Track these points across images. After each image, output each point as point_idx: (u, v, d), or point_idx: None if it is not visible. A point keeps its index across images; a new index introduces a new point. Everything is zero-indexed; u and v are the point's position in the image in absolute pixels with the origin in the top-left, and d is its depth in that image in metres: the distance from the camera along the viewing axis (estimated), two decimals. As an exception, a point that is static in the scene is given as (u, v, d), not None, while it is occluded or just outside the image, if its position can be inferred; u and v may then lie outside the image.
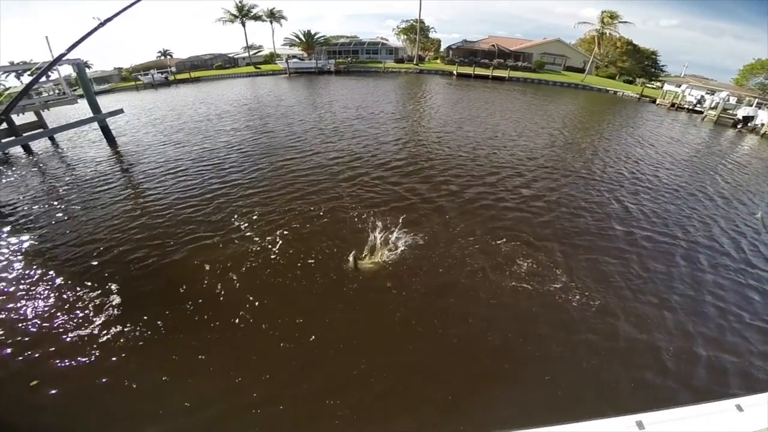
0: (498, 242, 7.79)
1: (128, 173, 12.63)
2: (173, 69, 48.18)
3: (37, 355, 5.27)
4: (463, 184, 10.93)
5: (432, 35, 55.90)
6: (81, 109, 18.19)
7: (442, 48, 56.81)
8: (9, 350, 5.37)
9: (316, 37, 51.08)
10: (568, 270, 7.00)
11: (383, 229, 7.96)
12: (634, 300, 6.43)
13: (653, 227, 9.09)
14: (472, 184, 11.04)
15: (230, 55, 57.52)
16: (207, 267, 6.91)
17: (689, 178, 13.27)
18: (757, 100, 27.47)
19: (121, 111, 17.73)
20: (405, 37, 54.57)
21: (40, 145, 16.89)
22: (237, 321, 5.68)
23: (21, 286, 6.73)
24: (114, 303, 6.15)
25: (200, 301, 6.15)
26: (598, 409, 4.58)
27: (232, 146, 14.98)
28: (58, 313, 5.98)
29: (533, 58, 47.15)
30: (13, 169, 13.96)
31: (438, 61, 53.49)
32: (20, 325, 5.82)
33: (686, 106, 30.84)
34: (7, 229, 9.04)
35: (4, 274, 7.11)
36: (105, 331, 5.56)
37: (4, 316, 6.03)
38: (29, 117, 16.52)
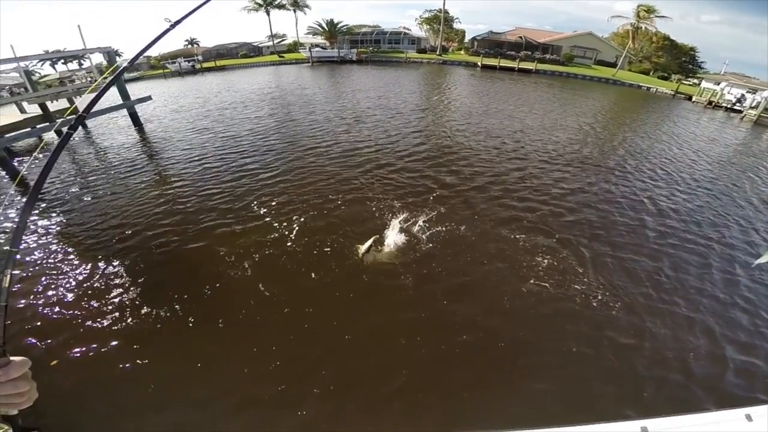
0: (521, 238, 7.60)
1: (154, 159, 12.96)
2: (200, 57, 49.02)
3: (58, 334, 5.47)
4: (487, 178, 10.70)
5: (456, 26, 54.85)
6: (111, 96, 18.74)
7: (467, 39, 55.65)
8: (32, 328, 5.60)
9: (338, 26, 50.93)
10: (593, 269, 6.78)
11: (401, 220, 7.90)
12: (661, 302, 6.19)
13: (686, 228, 8.70)
14: (496, 178, 10.78)
15: (255, 44, 58.04)
16: (226, 254, 7.02)
17: (726, 179, 12.62)
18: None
19: (149, 98, 18.21)
20: (428, 27, 53.72)
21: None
22: (251, 310, 5.75)
23: (48, 266, 7.03)
24: (134, 287, 6.32)
25: (217, 285, 6.27)
26: (618, 411, 4.45)
27: (255, 134, 15.15)
28: (81, 295, 6.21)
29: (562, 51, 45.56)
30: (48, 153, 14.53)
31: (462, 52, 52.46)
32: (44, 304, 6.08)
33: (724, 104, 29.28)
34: (38, 211, 9.46)
35: (33, 255, 7.46)
36: (124, 314, 5.72)
37: (30, 294, 6.31)
38: (63, 104, 17.18)
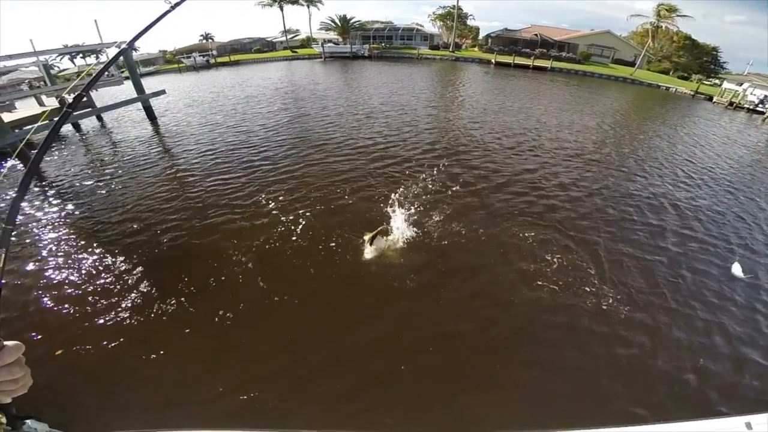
0: (534, 238, 7.45)
1: (167, 153, 13.11)
2: (214, 52, 49.46)
3: (64, 324, 5.56)
4: (501, 177, 10.52)
5: (470, 23, 54.19)
6: (127, 90, 19.07)
7: (481, 36, 54.97)
8: (39, 317, 5.71)
9: (351, 21, 50.84)
10: (609, 270, 6.62)
11: (409, 216, 7.83)
12: (676, 307, 6.02)
13: (706, 232, 8.44)
14: (510, 177, 10.59)
15: (268, 39, 58.31)
16: (233, 249, 7.04)
17: (748, 182, 12.21)
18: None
19: (163, 92, 18.43)
20: (441, 23, 53.19)
21: (88, 124, 17.89)
22: (255, 306, 5.76)
23: (59, 258, 7.16)
24: (141, 280, 6.37)
25: (223, 278, 6.31)
26: (622, 417, 4.35)
27: (266, 129, 15.21)
28: (89, 286, 6.30)
29: (579, 49, 44.69)
30: (64, 145, 14.85)
31: (476, 49, 51.85)
32: (53, 294, 6.18)
33: (746, 105, 28.36)
34: (53, 201, 9.67)
35: (45, 245, 7.61)
36: (131, 307, 5.78)
37: (40, 284, 6.44)
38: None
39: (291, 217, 8.01)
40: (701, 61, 46.30)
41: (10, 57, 11.83)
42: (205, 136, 14.51)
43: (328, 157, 11.80)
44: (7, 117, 13.60)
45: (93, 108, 16.80)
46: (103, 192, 10.00)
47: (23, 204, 9.17)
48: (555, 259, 6.83)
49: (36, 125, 13.50)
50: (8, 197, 9.98)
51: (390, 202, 8.46)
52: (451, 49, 48.86)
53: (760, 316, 6.00)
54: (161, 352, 5.00)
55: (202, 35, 58.71)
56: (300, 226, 7.67)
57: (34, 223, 8.52)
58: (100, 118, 18.44)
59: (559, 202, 9.25)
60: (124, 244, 7.41)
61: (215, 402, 4.38)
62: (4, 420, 1.13)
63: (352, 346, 5.10)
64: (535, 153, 12.82)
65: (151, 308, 5.71)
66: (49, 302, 6.01)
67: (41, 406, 4.38)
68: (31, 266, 6.94)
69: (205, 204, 8.89)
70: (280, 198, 8.98)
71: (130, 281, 6.34)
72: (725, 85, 34.45)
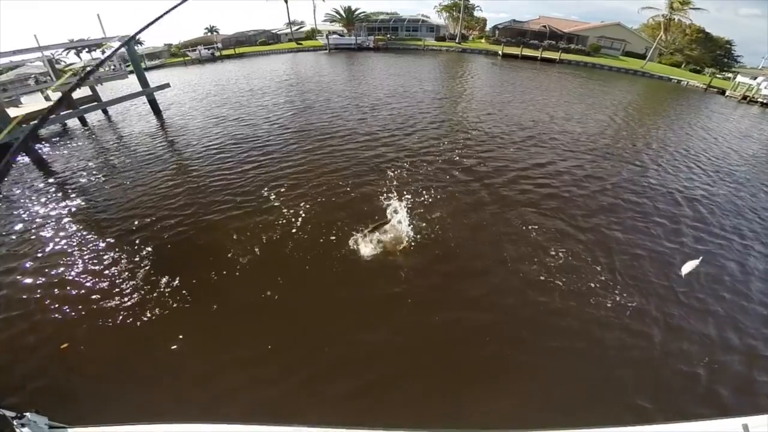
0: (541, 233, 7.36)
1: (171, 147, 13.11)
2: (219, 45, 49.18)
3: (70, 318, 5.62)
4: (504, 169, 10.40)
5: (477, 14, 53.24)
6: (133, 83, 19.05)
7: (488, 27, 54.05)
8: (46, 310, 5.77)
9: (356, 13, 50.21)
10: (610, 266, 6.51)
11: (413, 209, 7.79)
12: (679, 304, 5.92)
13: (709, 227, 8.29)
14: (514, 169, 10.47)
15: (273, 31, 57.86)
16: (236, 242, 7.08)
17: (755, 176, 11.91)
18: None
19: (167, 85, 18.38)
20: (447, 14, 52.32)
21: (93, 117, 17.92)
22: (257, 300, 5.78)
23: (64, 252, 7.21)
24: (145, 274, 6.43)
25: (225, 273, 6.34)
26: (616, 416, 4.34)
27: (271, 122, 15.14)
28: (95, 281, 6.35)
29: (588, 41, 43.79)
30: (71, 139, 14.90)
31: (482, 40, 51.02)
32: (59, 288, 6.25)
33: (760, 99, 27.66)
34: (58, 196, 9.71)
35: (50, 240, 7.66)
36: (134, 301, 5.83)
37: (46, 278, 6.49)
38: (85, 91, 17.51)
39: (293, 211, 7.99)
40: (714, 54, 45.16)
41: (14, 53, 11.82)
42: (209, 130, 14.48)
43: (332, 150, 11.72)
44: (14, 112, 13.65)
45: (98, 102, 16.82)
46: (108, 187, 10.02)
47: (30, 198, 9.25)
48: (562, 254, 6.76)
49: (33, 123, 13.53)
50: (14, 193, 10.04)
51: (393, 195, 8.40)
52: (457, 41, 48.13)
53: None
54: (163, 347, 5.03)
55: (207, 28, 58.32)
56: (303, 221, 7.65)
57: (40, 218, 8.56)
58: (105, 112, 18.48)
59: (568, 195, 9.14)
60: (128, 239, 7.44)
61: (215, 396, 4.40)
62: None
63: (354, 343, 5.07)
64: (543, 146, 12.60)
65: (155, 303, 5.74)
66: (54, 296, 6.06)
67: (44, 398, 4.45)
68: (36, 260, 7.00)
69: (208, 198, 8.89)
70: (284, 192, 8.96)
71: (134, 276, 6.37)
72: (739, 78, 33.60)
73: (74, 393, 4.60)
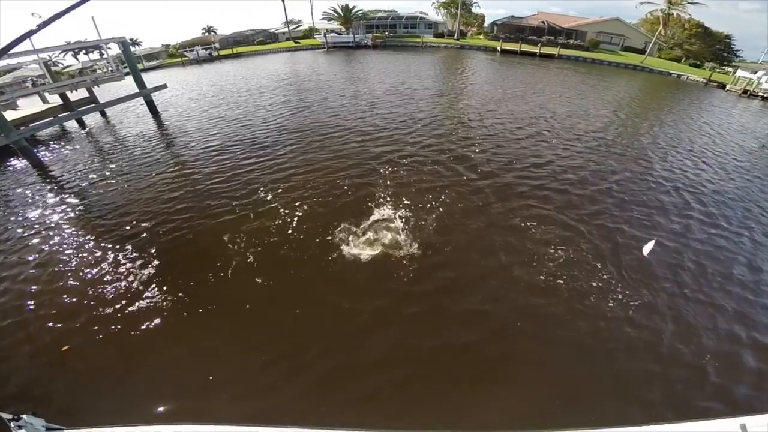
0: (539, 229, 7.32)
1: (168, 148, 13.09)
2: (217, 45, 49.13)
3: (70, 320, 5.64)
4: (504, 167, 10.34)
5: (475, 10, 53.01)
6: (128, 85, 19.03)
7: (486, 23, 53.85)
8: (46, 314, 5.79)
9: (353, 11, 50.03)
10: (614, 265, 6.47)
11: (410, 208, 7.77)
12: (684, 301, 5.88)
13: (715, 224, 8.22)
14: (514, 166, 10.41)
15: (271, 31, 57.72)
16: (231, 243, 7.09)
17: (760, 171, 11.84)
18: None
19: (164, 86, 18.34)
20: (445, 11, 52.11)
21: (92, 119, 17.90)
22: (251, 299, 5.81)
23: (63, 255, 7.22)
24: (142, 275, 6.44)
25: (221, 274, 6.35)
26: (624, 415, 4.31)
27: (268, 122, 15.11)
28: (93, 282, 6.37)
29: (587, 36, 43.60)
30: (69, 141, 14.88)
31: (481, 36, 50.84)
32: (58, 289, 6.27)
33: (761, 93, 27.53)
34: (56, 198, 9.71)
35: (49, 240, 7.69)
36: (132, 302, 5.84)
37: (45, 279, 6.52)
38: (82, 93, 17.48)
39: (290, 212, 7.98)
40: (714, 48, 44.95)
41: (10, 55, 11.76)
42: (206, 131, 14.46)
43: (330, 150, 11.68)
44: (11, 115, 13.61)
45: (96, 103, 16.78)
46: (106, 189, 10.01)
47: (29, 202, 9.23)
48: (565, 252, 6.72)
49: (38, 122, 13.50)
50: (13, 196, 10.03)
51: (391, 195, 8.37)
52: (456, 37, 47.99)
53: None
54: (160, 350, 5.05)
55: (204, 28, 58.23)
56: (299, 221, 7.65)
57: (38, 221, 8.57)
58: (103, 114, 18.46)
59: (571, 191, 9.07)
60: (126, 243, 7.44)
61: (212, 399, 4.41)
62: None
63: (351, 346, 5.05)
64: (544, 142, 12.53)
65: (152, 306, 5.75)
66: (54, 298, 6.08)
67: (43, 401, 4.44)
68: (36, 263, 7.01)
69: (206, 199, 8.89)
70: (281, 193, 8.94)
71: (132, 279, 6.37)
72: (739, 73, 33.44)
73: (72, 395, 4.60)
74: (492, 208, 8.24)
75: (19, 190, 10.39)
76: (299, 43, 51.01)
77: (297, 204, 8.32)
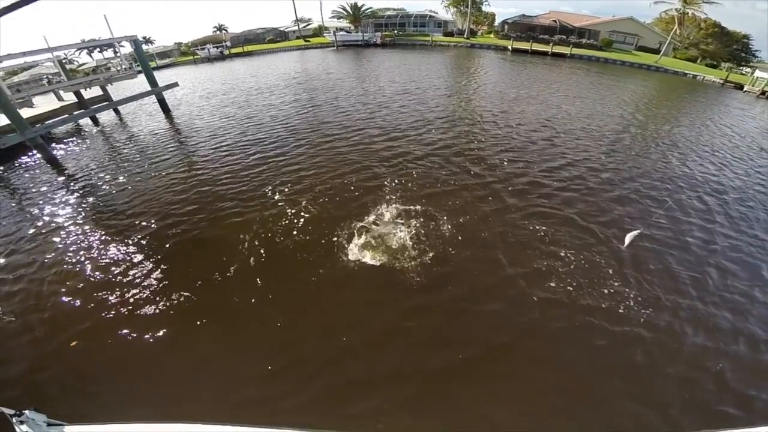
0: (551, 235, 7.19)
1: (179, 146, 13.19)
2: (228, 43, 49.49)
3: (79, 315, 5.74)
4: (517, 170, 10.10)
5: (485, 9, 52.56)
6: (140, 83, 19.25)
7: (497, 22, 53.36)
8: (55, 308, 5.90)
9: (362, 9, 49.94)
10: (633, 273, 6.34)
11: (419, 211, 7.68)
12: (706, 312, 5.73)
13: (737, 231, 7.99)
14: (527, 170, 10.17)
15: (281, 29, 57.98)
16: (239, 243, 7.11)
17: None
18: None
19: (176, 84, 18.51)
20: (455, 10, 51.74)
21: (105, 117, 18.14)
22: (258, 302, 5.80)
23: (73, 250, 7.34)
24: (152, 274, 6.52)
25: (228, 274, 6.38)
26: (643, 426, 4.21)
27: (277, 120, 15.15)
28: (102, 279, 6.47)
29: (600, 35, 42.95)
30: (83, 138, 15.11)
31: (491, 35, 50.40)
32: (68, 285, 6.37)
33: (781, 94, 26.85)
34: (70, 194, 9.88)
35: (60, 237, 7.82)
36: (140, 300, 5.92)
37: (56, 275, 6.62)
38: (96, 91, 17.74)
39: (297, 211, 8.00)
40: (731, 49, 43.97)
41: (25, 54, 11.95)
42: (217, 129, 14.54)
43: (338, 150, 11.65)
44: (27, 113, 13.84)
45: (109, 102, 17.00)
46: (118, 186, 10.13)
47: (42, 197, 9.39)
48: (574, 257, 6.61)
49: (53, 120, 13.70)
50: (27, 192, 10.20)
51: (400, 198, 8.29)
52: (465, 36, 47.63)
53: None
54: (166, 350, 5.09)
55: (215, 27, 58.69)
56: (306, 221, 7.65)
57: (51, 217, 8.71)
58: (117, 111, 18.70)
59: (588, 196, 8.87)
60: (136, 238, 7.54)
61: (217, 397, 4.44)
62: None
63: (353, 347, 5.02)
64: (559, 144, 12.31)
65: (160, 303, 5.81)
66: (64, 293, 6.18)
67: (48, 396, 4.50)
68: (47, 258, 7.13)
69: (214, 197, 8.96)
70: (288, 192, 8.96)
71: (140, 275, 6.46)
72: (757, 73, 32.65)
73: (79, 390, 4.68)
74: (505, 213, 8.10)
75: (33, 187, 10.57)
76: (309, 41, 51.14)
77: (304, 204, 8.31)
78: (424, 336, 5.20)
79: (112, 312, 5.75)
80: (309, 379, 4.61)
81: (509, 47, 40.60)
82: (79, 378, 4.83)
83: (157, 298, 5.90)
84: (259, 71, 30.40)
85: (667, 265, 6.74)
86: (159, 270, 6.57)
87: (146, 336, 5.28)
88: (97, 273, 6.62)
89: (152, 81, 17.02)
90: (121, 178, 10.63)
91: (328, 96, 19.36)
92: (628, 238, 4.83)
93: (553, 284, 6.08)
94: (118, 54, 23.57)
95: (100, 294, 6.11)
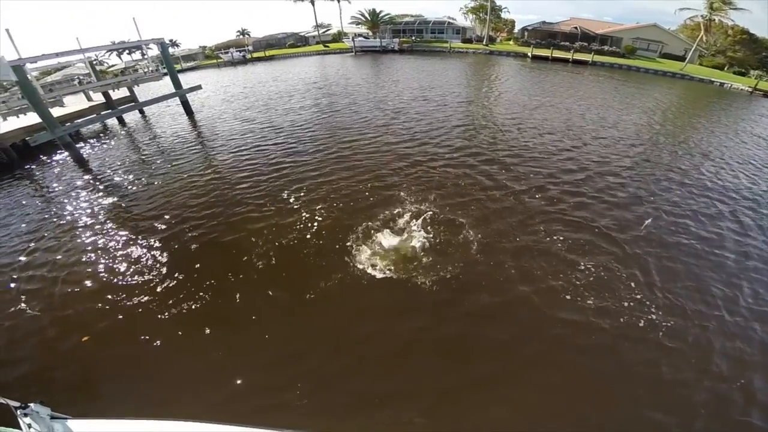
0: (575, 250, 6.96)
1: (200, 149, 13.42)
2: (250, 48, 50.63)
3: (93, 311, 5.84)
4: (539, 182, 9.72)
5: (505, 15, 52.37)
6: (165, 85, 19.79)
7: (516, 29, 53.07)
8: (70, 304, 6.02)
9: (381, 15, 50.39)
10: (661, 288, 6.08)
11: (435, 220, 7.53)
12: (736, 328, 5.45)
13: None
14: (550, 181, 9.80)
15: (301, 34, 59.03)
16: (255, 248, 7.08)
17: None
18: None
19: (199, 87, 18.94)
20: (474, 16, 51.68)
21: (131, 118, 18.70)
22: (270, 308, 5.78)
23: (93, 248, 7.53)
24: (166, 271, 6.64)
25: (241, 276, 6.39)
26: None
27: (297, 125, 15.28)
28: (118, 277, 6.59)
29: (623, 42, 42.14)
30: (110, 138, 15.59)
31: (511, 42, 50.11)
32: (86, 282, 6.51)
33: (815, 103, 25.74)
34: (94, 192, 10.18)
35: (81, 235, 8.04)
36: (154, 299, 5.98)
37: (75, 271, 6.79)
38: (123, 92, 18.34)
39: (312, 218, 7.97)
40: (761, 56, 42.54)
41: (58, 55, 12.44)
42: (237, 133, 14.78)
43: (356, 155, 11.65)
44: (58, 111, 14.37)
45: (135, 102, 17.52)
46: (139, 186, 10.38)
47: (67, 195, 9.67)
48: (594, 269, 6.39)
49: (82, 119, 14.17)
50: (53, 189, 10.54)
51: (417, 206, 8.16)
52: (484, 43, 47.47)
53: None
54: (175, 350, 5.13)
55: (239, 31, 60.17)
56: (321, 227, 7.61)
57: (73, 215, 8.97)
58: (142, 112, 19.25)
59: (600, 211, 8.52)
60: (154, 240, 7.65)
61: (221, 398, 4.43)
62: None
63: (366, 358, 4.93)
64: (581, 153, 11.97)
65: (174, 304, 5.85)
66: (79, 291, 6.33)
67: (55, 390, 4.59)
68: (65, 255, 7.33)
69: (232, 201, 9.00)
70: (304, 197, 8.94)
71: (155, 276, 6.54)
72: (789, 81, 31.45)
73: (86, 386, 4.76)
74: (527, 225, 7.81)
75: (58, 185, 10.93)
76: (328, 46, 51.84)
77: (320, 209, 8.28)
78: (441, 351, 5.04)
79: (125, 311, 5.82)
80: (318, 389, 4.52)
81: (529, 54, 40.25)
82: (89, 374, 4.90)
83: (170, 301, 5.93)
84: (279, 76, 30.91)
85: (697, 275, 6.46)
86: (173, 272, 6.60)
87: (157, 336, 5.29)
88: (113, 273, 6.73)
89: (177, 83, 17.47)
90: (143, 179, 10.87)
91: (346, 101, 19.49)
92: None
93: (577, 298, 5.87)
94: (146, 56, 24.30)
95: (113, 293, 6.19)
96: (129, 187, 10.40)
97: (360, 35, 51.00)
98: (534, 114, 16.89)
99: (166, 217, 8.51)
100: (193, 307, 5.78)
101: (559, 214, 8.25)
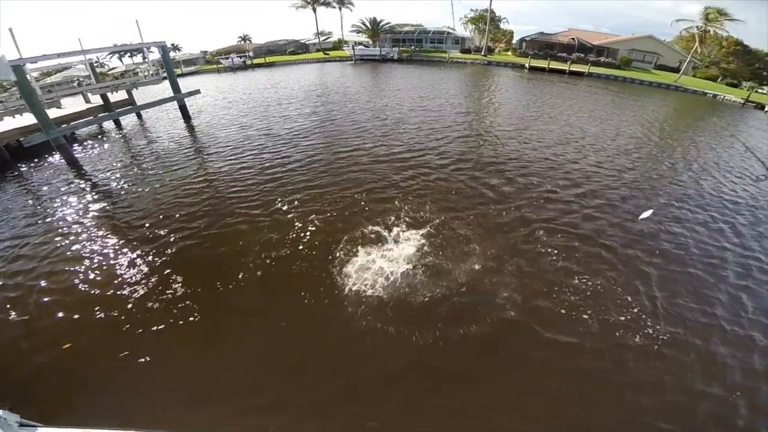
0: (575, 268, 6.87)
1: (196, 154, 13.37)
2: (251, 54, 50.96)
3: (76, 318, 5.75)
4: (537, 195, 9.57)
5: (504, 26, 53.12)
6: (164, 89, 19.83)
7: (515, 40, 53.75)
8: (54, 309, 5.93)
9: (381, 24, 50.99)
10: (660, 304, 6.07)
11: (432, 234, 7.40)
12: (733, 353, 5.35)
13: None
14: (548, 195, 9.61)
15: (302, 41, 59.56)
16: (245, 258, 7.01)
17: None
18: None
19: (197, 92, 19.03)
20: (473, 27, 52.40)
21: (128, 121, 18.72)
22: (261, 316, 5.77)
23: (81, 251, 7.47)
24: (155, 279, 6.54)
25: (230, 286, 6.33)
26: None
27: (294, 133, 15.25)
28: (105, 282, 6.51)
29: (619, 54, 42.75)
30: (105, 141, 15.58)
31: (509, 53, 50.70)
32: (69, 287, 6.43)
33: (807, 115, 26.10)
34: (85, 197, 10.10)
35: (70, 238, 7.97)
36: (141, 306, 5.92)
37: (57, 279, 6.67)
38: (121, 95, 18.39)
39: (306, 229, 7.87)
40: (754, 67, 43.19)
41: (59, 55, 12.47)
42: (234, 139, 14.71)
43: (354, 165, 11.57)
44: (54, 113, 14.38)
45: (133, 105, 17.56)
46: (131, 192, 10.28)
47: (57, 199, 9.59)
48: (592, 285, 6.35)
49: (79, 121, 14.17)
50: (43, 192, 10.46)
51: (412, 217, 8.08)
52: (483, 53, 48.01)
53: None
54: (160, 358, 5.03)
55: (240, 36, 60.68)
56: (314, 240, 7.50)
57: (63, 218, 8.93)
58: (139, 116, 19.28)
59: (599, 226, 8.37)
60: (144, 248, 7.55)
61: (200, 412, 4.35)
62: None
63: (354, 372, 4.86)
64: (579, 165, 11.93)
65: (159, 312, 5.78)
66: (63, 296, 6.25)
67: (30, 397, 4.51)
68: (52, 259, 7.28)
69: (225, 212, 8.88)
70: (298, 208, 8.83)
71: (143, 283, 6.46)
72: (782, 93, 31.91)
73: (62, 394, 4.66)
74: (526, 238, 7.69)
75: (49, 187, 10.86)
76: (328, 54, 52.32)
77: (313, 220, 8.19)
78: (441, 371, 4.91)
79: (110, 316, 5.74)
80: (314, 408, 4.42)
81: (526, 65, 40.71)
82: (66, 382, 4.80)
83: (157, 307, 5.87)
84: (279, 83, 31.05)
85: (697, 286, 6.48)
86: (163, 281, 6.49)
87: (139, 349, 5.14)
88: (100, 279, 6.63)
89: (176, 87, 17.53)
90: (137, 184, 10.77)
91: (344, 110, 19.51)
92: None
93: (579, 314, 5.87)
94: (146, 59, 24.42)
95: (96, 303, 6.05)
96: (122, 193, 10.30)
97: (360, 43, 51.54)
98: (531, 125, 16.91)
99: (159, 225, 8.40)
100: (180, 319, 5.65)
101: (558, 226, 8.16)
